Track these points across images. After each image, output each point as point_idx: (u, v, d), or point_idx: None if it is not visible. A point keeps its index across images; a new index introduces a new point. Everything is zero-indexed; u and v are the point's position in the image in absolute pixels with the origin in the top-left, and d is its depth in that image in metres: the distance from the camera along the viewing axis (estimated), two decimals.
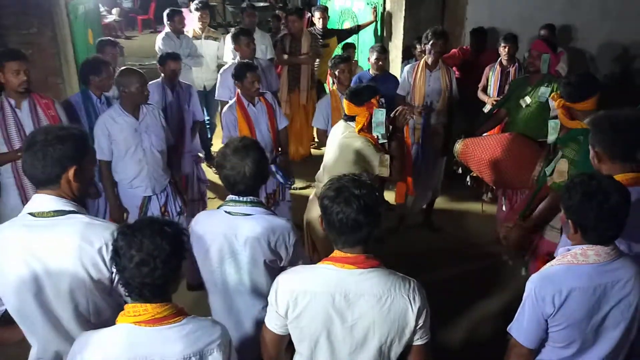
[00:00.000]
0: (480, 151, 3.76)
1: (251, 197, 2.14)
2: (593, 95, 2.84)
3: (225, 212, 2.14)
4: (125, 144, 3.44)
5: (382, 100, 3.21)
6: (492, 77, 5.06)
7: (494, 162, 3.59)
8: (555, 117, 3.17)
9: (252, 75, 3.79)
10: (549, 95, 3.85)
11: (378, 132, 3.06)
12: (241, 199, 2.14)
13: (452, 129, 4.58)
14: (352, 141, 3.08)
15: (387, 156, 3.05)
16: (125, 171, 3.51)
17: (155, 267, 1.50)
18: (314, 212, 3.16)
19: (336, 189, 1.66)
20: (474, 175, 4.39)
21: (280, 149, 4.14)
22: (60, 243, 1.83)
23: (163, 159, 3.63)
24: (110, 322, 1.91)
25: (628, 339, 1.91)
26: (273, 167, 3.90)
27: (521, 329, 1.92)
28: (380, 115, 3.02)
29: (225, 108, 4.02)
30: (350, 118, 3.14)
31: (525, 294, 1.91)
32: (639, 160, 2.20)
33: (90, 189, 3.15)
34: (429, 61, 4.41)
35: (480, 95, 5.15)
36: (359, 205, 1.61)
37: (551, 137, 3.18)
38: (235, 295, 2.20)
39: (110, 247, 1.80)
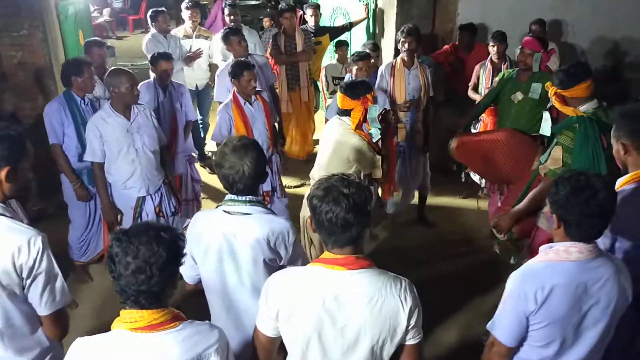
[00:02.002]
0: (476, 147, 3.77)
1: (250, 197, 2.13)
2: (582, 81, 2.84)
3: (224, 211, 2.13)
4: (117, 145, 3.43)
5: (377, 96, 3.23)
6: (483, 75, 5.02)
7: (490, 158, 3.60)
8: (552, 108, 3.19)
9: (249, 73, 3.77)
10: (540, 92, 3.88)
11: (374, 126, 3.07)
12: (240, 198, 2.12)
13: (429, 126, 4.61)
14: (347, 139, 3.08)
15: (379, 157, 3.06)
16: (118, 172, 3.50)
17: (151, 275, 1.48)
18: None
19: (325, 188, 1.64)
20: (468, 171, 4.41)
21: (276, 147, 4.14)
22: None
23: (156, 159, 3.62)
24: (24, 329, 1.92)
25: (606, 339, 1.91)
26: None
27: (501, 326, 1.91)
28: (374, 110, 3.04)
29: (220, 106, 4.00)
30: (344, 113, 3.14)
31: (506, 291, 1.90)
32: None
33: (22, 192, 3.15)
34: (405, 59, 4.42)
35: (471, 94, 5.11)
36: (348, 204, 1.59)
37: (545, 129, 3.19)
38: (235, 295, 2.19)
39: (25, 252, 1.80)
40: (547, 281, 1.80)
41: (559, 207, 1.82)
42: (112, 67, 3.64)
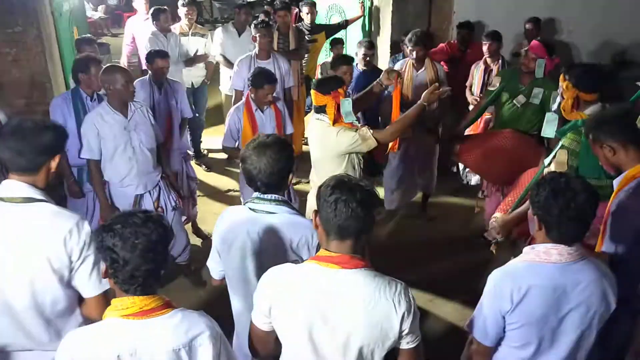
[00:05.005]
0: (481, 150, 3.78)
1: (275, 196, 2.13)
2: (603, 87, 2.85)
3: (250, 209, 2.13)
4: (115, 143, 3.40)
5: (349, 91, 3.20)
6: (476, 75, 5.04)
7: (496, 160, 3.61)
8: (555, 111, 3.15)
9: (270, 87, 3.73)
10: (541, 97, 3.89)
11: (349, 120, 3.05)
12: (265, 196, 2.12)
13: (441, 124, 4.61)
14: (328, 136, 3.05)
15: (365, 127, 3.02)
16: (115, 170, 3.48)
17: (157, 252, 1.53)
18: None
19: (337, 179, 1.68)
20: (469, 172, 4.42)
21: None
22: (26, 229, 1.87)
23: (153, 157, 3.60)
24: (66, 314, 1.97)
25: (585, 344, 1.89)
26: None
27: (479, 325, 1.91)
28: (347, 104, 3.02)
29: (232, 108, 4.00)
30: (319, 109, 3.10)
31: (484, 290, 1.90)
32: None
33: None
34: (415, 63, 4.48)
35: (468, 95, 5.13)
36: (361, 194, 1.61)
37: (548, 131, 3.18)
38: None
39: (75, 235, 1.87)
40: (524, 281, 1.80)
41: (539, 209, 1.82)
42: (107, 64, 3.62)
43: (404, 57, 5.26)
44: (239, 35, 5.79)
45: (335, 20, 6.54)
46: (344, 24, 6.18)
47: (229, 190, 5.49)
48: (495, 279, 1.87)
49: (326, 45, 6.29)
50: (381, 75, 3.37)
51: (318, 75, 5.92)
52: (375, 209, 1.67)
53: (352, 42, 6.17)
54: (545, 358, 1.89)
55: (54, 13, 5.08)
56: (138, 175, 3.53)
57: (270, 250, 2.10)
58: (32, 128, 1.91)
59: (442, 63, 5.48)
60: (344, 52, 6.22)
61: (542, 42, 4.11)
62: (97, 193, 3.56)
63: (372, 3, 6.07)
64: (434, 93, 3.10)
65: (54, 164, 1.97)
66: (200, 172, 5.66)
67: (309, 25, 6.01)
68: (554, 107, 3.06)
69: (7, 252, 1.86)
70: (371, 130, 3.00)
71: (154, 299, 1.55)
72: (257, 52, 4.93)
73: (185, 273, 4.04)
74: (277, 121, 3.92)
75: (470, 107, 5.03)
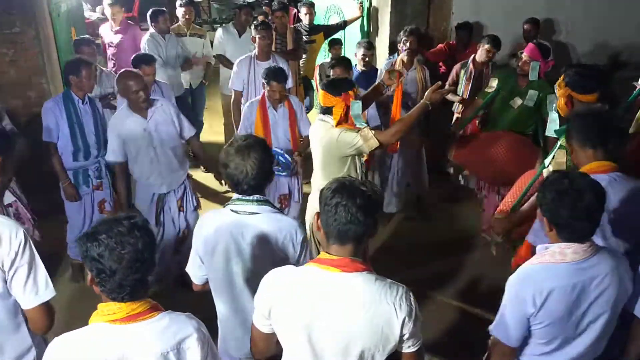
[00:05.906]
0: (477, 151, 3.77)
1: (257, 196, 2.13)
2: (598, 89, 2.83)
3: (232, 210, 2.12)
4: (136, 144, 3.47)
5: (359, 94, 3.17)
6: (463, 76, 4.86)
7: (493, 161, 3.61)
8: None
9: (276, 85, 3.74)
10: (536, 99, 3.88)
11: (358, 122, 3.02)
12: (247, 197, 2.12)
13: (427, 127, 4.62)
14: (330, 138, 3.02)
15: (367, 128, 2.96)
16: (139, 170, 3.56)
17: (144, 260, 1.50)
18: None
19: (340, 182, 1.66)
20: (467, 173, 4.40)
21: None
22: None
23: (176, 155, 3.64)
24: (6, 324, 1.94)
25: (609, 330, 1.94)
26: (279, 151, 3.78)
27: (503, 328, 1.93)
28: (357, 107, 2.98)
29: (248, 102, 4.06)
30: (325, 110, 3.06)
31: (505, 295, 1.92)
32: (611, 149, 2.25)
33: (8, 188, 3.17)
34: (405, 59, 4.46)
35: (450, 95, 5.03)
36: (362, 198, 1.60)
37: (550, 130, 3.17)
38: (242, 295, 2.18)
39: (6, 245, 1.82)
40: (544, 285, 1.81)
41: (547, 211, 1.84)
42: (122, 70, 3.65)
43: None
44: (240, 36, 5.79)
45: (334, 20, 6.53)
46: (343, 25, 6.18)
47: (227, 191, 5.48)
48: (515, 285, 1.89)
49: (324, 45, 6.29)
50: (382, 76, 3.35)
51: (316, 76, 5.91)
52: (378, 213, 1.66)
53: (351, 42, 6.17)
54: (570, 349, 1.93)
55: (51, 14, 5.07)
56: (161, 175, 3.58)
57: (256, 251, 2.10)
58: None
59: (440, 64, 5.51)
60: (342, 53, 6.21)
61: (537, 44, 4.10)
62: (120, 194, 3.65)
63: (370, 4, 6.07)
64: (438, 92, 2.99)
65: None
66: (199, 173, 5.66)
67: (308, 25, 6.01)
68: (550, 109, 3.05)
69: None
70: (373, 131, 2.97)
71: (141, 303, 1.53)
72: (256, 53, 4.93)
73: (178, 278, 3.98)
74: (290, 120, 3.91)
75: (455, 108, 4.98)
